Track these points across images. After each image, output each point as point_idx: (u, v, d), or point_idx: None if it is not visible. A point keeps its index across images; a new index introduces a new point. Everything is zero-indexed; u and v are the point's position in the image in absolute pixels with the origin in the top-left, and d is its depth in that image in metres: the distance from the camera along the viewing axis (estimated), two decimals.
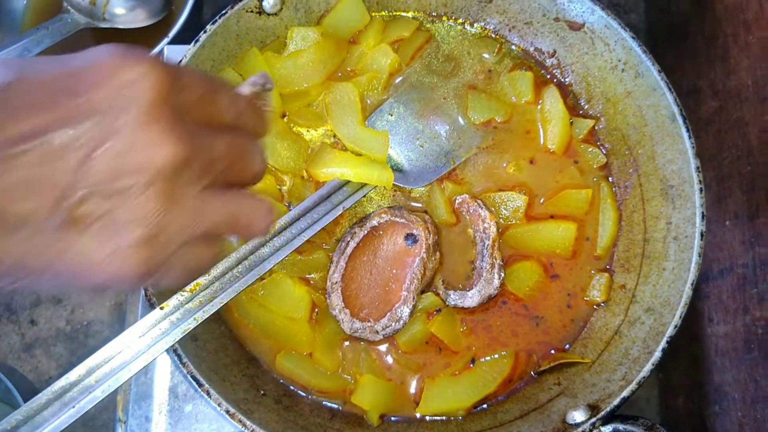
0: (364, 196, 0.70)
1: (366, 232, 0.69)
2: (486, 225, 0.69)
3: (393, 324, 0.66)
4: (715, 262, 0.80)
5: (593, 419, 0.59)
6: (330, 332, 0.68)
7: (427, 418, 0.68)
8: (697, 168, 0.65)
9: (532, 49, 0.79)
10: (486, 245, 0.69)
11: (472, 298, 0.68)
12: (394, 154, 0.74)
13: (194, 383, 0.59)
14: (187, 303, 0.52)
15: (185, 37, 0.84)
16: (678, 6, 0.98)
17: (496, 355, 0.68)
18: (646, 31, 1.05)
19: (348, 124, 0.73)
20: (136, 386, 0.75)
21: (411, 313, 0.67)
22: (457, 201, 0.73)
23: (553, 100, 0.75)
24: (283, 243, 0.58)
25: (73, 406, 0.46)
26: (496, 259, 0.69)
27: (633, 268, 0.70)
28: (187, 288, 0.53)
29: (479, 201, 0.71)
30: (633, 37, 0.70)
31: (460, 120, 0.76)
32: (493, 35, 0.80)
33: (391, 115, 0.75)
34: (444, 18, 0.80)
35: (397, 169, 0.73)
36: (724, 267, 0.79)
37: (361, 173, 0.68)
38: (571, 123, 0.76)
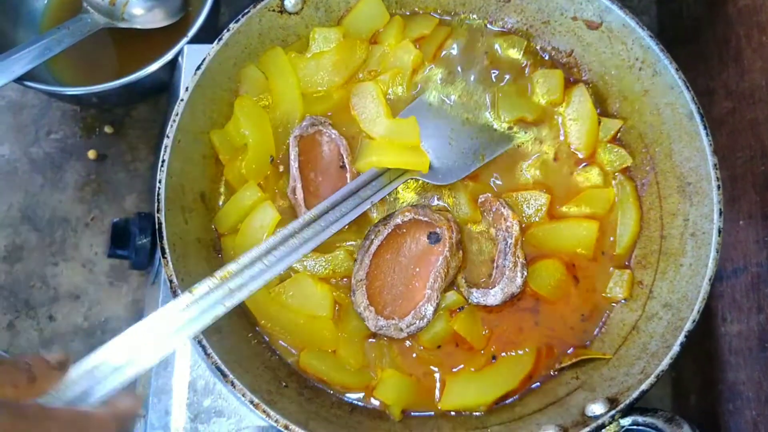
0: (391, 192, 0.71)
1: (390, 230, 0.70)
2: (509, 224, 0.70)
3: (417, 322, 0.67)
4: (729, 262, 0.80)
5: (613, 412, 0.60)
6: (353, 329, 0.69)
7: (452, 413, 0.68)
8: (715, 165, 0.66)
9: (549, 47, 0.80)
10: (509, 244, 0.70)
11: (494, 296, 0.68)
12: (423, 150, 0.74)
13: (219, 374, 0.60)
14: (216, 290, 0.53)
15: (202, 37, 0.86)
16: (690, 8, 0.99)
17: (518, 352, 0.69)
18: (658, 33, 1.05)
19: (375, 120, 0.74)
20: (156, 380, 0.76)
21: (435, 311, 0.67)
22: (480, 199, 0.73)
23: (582, 99, 0.75)
24: (312, 235, 0.59)
25: None
26: (519, 258, 0.69)
27: (650, 265, 0.71)
28: (218, 275, 0.54)
29: (502, 200, 0.72)
30: (650, 36, 0.70)
31: (489, 118, 0.77)
32: (515, 33, 0.81)
33: (422, 112, 0.76)
34: (463, 17, 0.81)
35: None
36: (738, 266, 0.80)
37: (397, 159, 0.70)
38: (599, 123, 0.76)
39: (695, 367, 0.86)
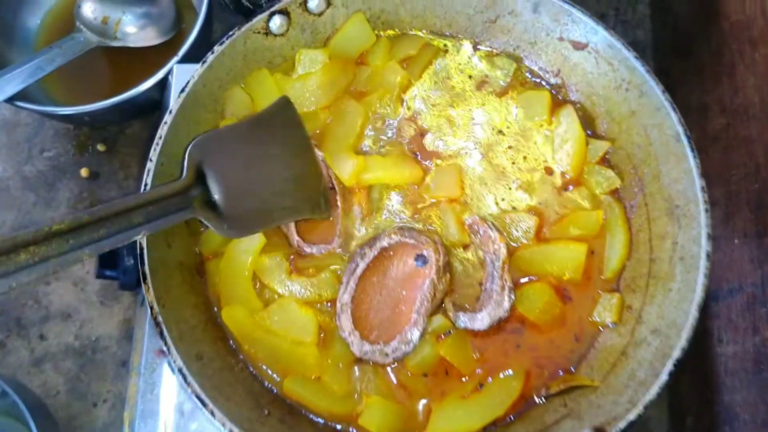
0: (379, 211, 0.71)
1: (376, 252, 0.69)
2: (496, 246, 0.69)
3: (403, 347, 0.66)
4: (725, 281, 0.79)
5: None
6: (338, 355, 0.68)
7: None
8: (702, 188, 0.65)
9: (536, 68, 0.79)
10: (496, 267, 0.69)
11: (482, 321, 0.67)
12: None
13: (199, 402, 0.59)
14: None
15: (196, 55, 0.85)
16: (684, 22, 0.98)
17: (506, 377, 0.68)
18: (653, 47, 1.05)
19: (336, 142, 0.74)
20: (143, 403, 0.75)
21: (421, 336, 0.67)
22: (467, 221, 0.73)
23: (570, 120, 0.75)
24: (48, 255, 0.48)
25: None
26: (506, 282, 0.68)
27: (639, 289, 0.70)
28: None
29: (489, 222, 0.71)
30: (636, 57, 0.70)
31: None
32: (501, 54, 0.80)
33: None
34: (450, 38, 0.81)
35: None
36: (734, 286, 0.79)
37: (392, 173, 0.71)
38: (587, 144, 0.75)
39: (692, 388, 0.84)
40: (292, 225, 0.71)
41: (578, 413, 0.64)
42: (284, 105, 0.69)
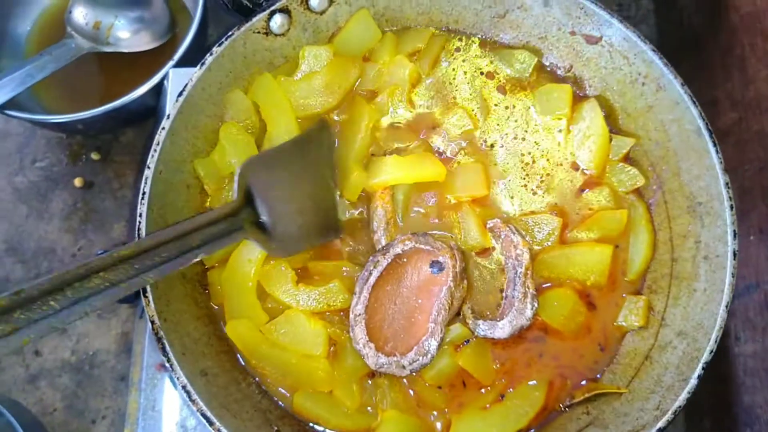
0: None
1: (389, 260, 0.66)
2: (519, 252, 0.67)
3: (420, 358, 0.63)
4: (741, 279, 0.77)
5: None
6: (350, 368, 0.65)
7: None
8: (727, 184, 0.63)
9: (547, 64, 0.77)
10: (518, 273, 0.66)
11: (503, 329, 0.64)
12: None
13: (205, 421, 0.56)
14: None
15: (191, 59, 0.83)
16: (691, 17, 0.96)
17: (527, 387, 0.65)
18: (657, 43, 1.03)
19: (343, 150, 0.72)
20: (144, 420, 0.72)
21: (439, 346, 0.63)
22: (488, 225, 0.70)
23: (593, 116, 0.72)
24: (117, 280, 0.48)
25: None
26: (528, 289, 0.66)
27: (661, 290, 0.67)
28: None
29: (511, 226, 0.69)
30: (653, 50, 0.68)
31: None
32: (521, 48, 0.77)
33: None
34: (458, 34, 0.78)
35: None
36: (750, 283, 0.77)
37: (413, 173, 0.69)
38: (610, 141, 0.73)
39: (708, 390, 0.82)
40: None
41: (602, 421, 0.62)
42: (322, 127, 0.70)
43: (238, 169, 0.61)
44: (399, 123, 0.74)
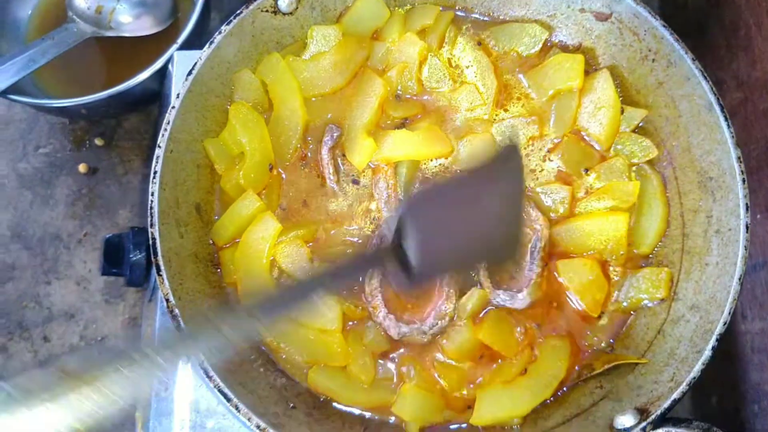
0: None
1: None
2: (538, 227, 0.67)
3: (439, 322, 0.64)
4: (748, 257, 0.77)
5: (644, 423, 0.56)
6: (365, 343, 0.65)
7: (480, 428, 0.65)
8: (738, 158, 0.63)
9: (556, 41, 0.77)
10: (537, 247, 0.67)
11: (522, 300, 0.65)
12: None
13: (222, 397, 0.56)
14: None
15: (192, 43, 0.83)
16: None
17: (550, 359, 0.65)
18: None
19: (353, 120, 0.71)
20: (156, 402, 0.72)
21: (455, 307, 0.64)
22: None
23: (605, 87, 0.71)
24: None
25: None
26: (546, 263, 0.66)
27: (672, 265, 0.68)
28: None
29: (531, 202, 0.69)
30: (664, 26, 0.67)
31: None
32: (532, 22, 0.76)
33: None
34: (465, 12, 0.78)
35: None
36: (757, 261, 0.77)
37: (422, 150, 0.69)
38: (622, 112, 0.72)
39: (715, 368, 0.82)
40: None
41: (617, 394, 0.62)
42: (509, 154, 0.59)
43: (399, 209, 0.55)
44: (408, 97, 0.74)
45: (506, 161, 0.57)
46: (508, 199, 0.57)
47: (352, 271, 0.56)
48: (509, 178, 0.57)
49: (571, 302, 0.68)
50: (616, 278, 0.69)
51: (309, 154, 0.73)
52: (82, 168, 0.97)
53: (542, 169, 0.72)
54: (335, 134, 0.72)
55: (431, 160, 0.72)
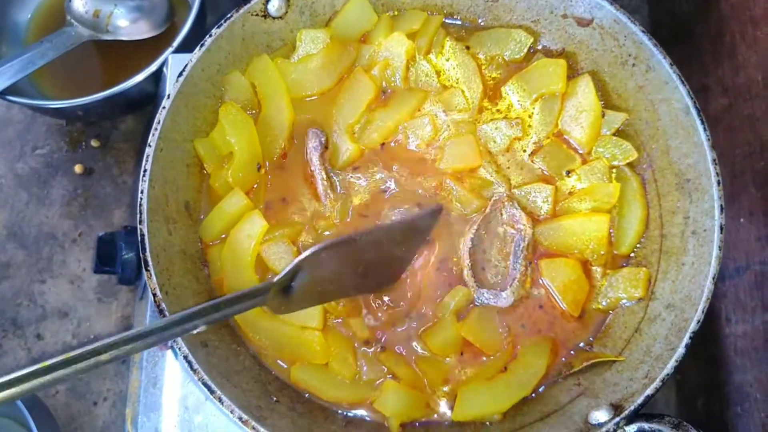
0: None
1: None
2: (520, 226, 0.69)
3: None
4: (731, 260, 0.78)
5: (617, 419, 0.57)
6: (344, 340, 0.66)
7: (459, 422, 0.66)
8: (714, 160, 0.64)
9: (540, 47, 0.78)
10: (521, 247, 0.68)
11: (506, 299, 0.67)
12: None
13: (206, 390, 0.58)
14: None
15: (187, 47, 0.84)
16: (682, 6, 0.98)
17: (530, 357, 0.66)
18: (650, 32, 1.04)
19: (340, 119, 0.73)
20: (145, 398, 0.73)
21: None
22: (492, 199, 0.72)
23: (586, 91, 0.73)
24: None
25: None
26: (530, 261, 0.68)
27: (650, 265, 0.69)
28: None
29: (514, 201, 0.71)
30: (643, 31, 0.69)
31: None
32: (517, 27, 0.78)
33: None
34: (452, 17, 0.80)
35: None
36: (741, 265, 0.78)
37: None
38: (603, 115, 0.74)
39: (700, 370, 0.83)
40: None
41: (593, 391, 0.63)
42: (433, 214, 0.64)
43: (297, 259, 0.55)
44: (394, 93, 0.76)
45: (422, 220, 0.63)
46: (397, 248, 0.62)
47: (235, 305, 0.54)
48: (413, 235, 0.63)
49: (552, 301, 0.69)
50: (597, 278, 0.70)
51: (288, 155, 0.74)
52: (77, 169, 0.98)
53: (525, 171, 0.74)
54: (322, 139, 0.73)
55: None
